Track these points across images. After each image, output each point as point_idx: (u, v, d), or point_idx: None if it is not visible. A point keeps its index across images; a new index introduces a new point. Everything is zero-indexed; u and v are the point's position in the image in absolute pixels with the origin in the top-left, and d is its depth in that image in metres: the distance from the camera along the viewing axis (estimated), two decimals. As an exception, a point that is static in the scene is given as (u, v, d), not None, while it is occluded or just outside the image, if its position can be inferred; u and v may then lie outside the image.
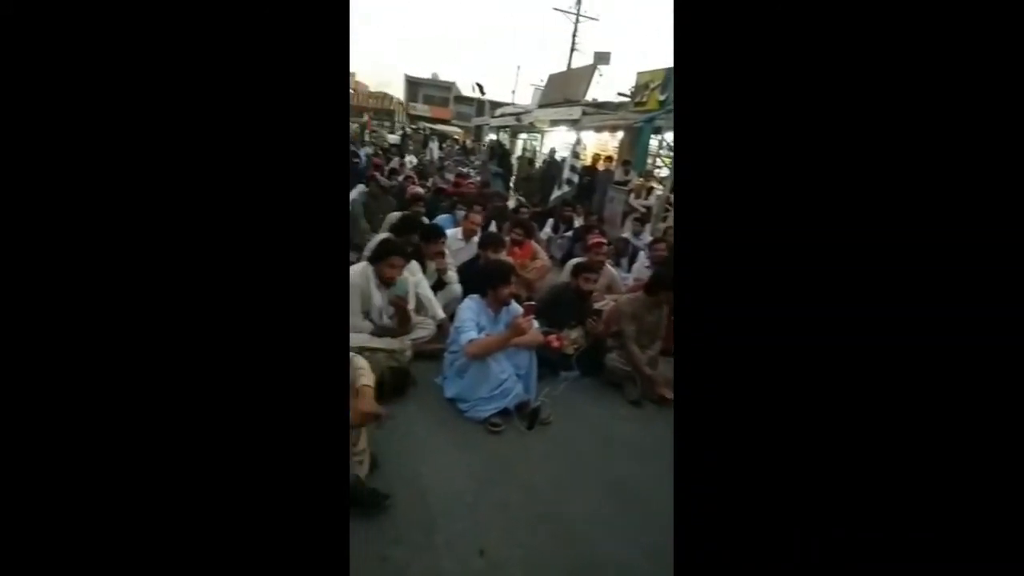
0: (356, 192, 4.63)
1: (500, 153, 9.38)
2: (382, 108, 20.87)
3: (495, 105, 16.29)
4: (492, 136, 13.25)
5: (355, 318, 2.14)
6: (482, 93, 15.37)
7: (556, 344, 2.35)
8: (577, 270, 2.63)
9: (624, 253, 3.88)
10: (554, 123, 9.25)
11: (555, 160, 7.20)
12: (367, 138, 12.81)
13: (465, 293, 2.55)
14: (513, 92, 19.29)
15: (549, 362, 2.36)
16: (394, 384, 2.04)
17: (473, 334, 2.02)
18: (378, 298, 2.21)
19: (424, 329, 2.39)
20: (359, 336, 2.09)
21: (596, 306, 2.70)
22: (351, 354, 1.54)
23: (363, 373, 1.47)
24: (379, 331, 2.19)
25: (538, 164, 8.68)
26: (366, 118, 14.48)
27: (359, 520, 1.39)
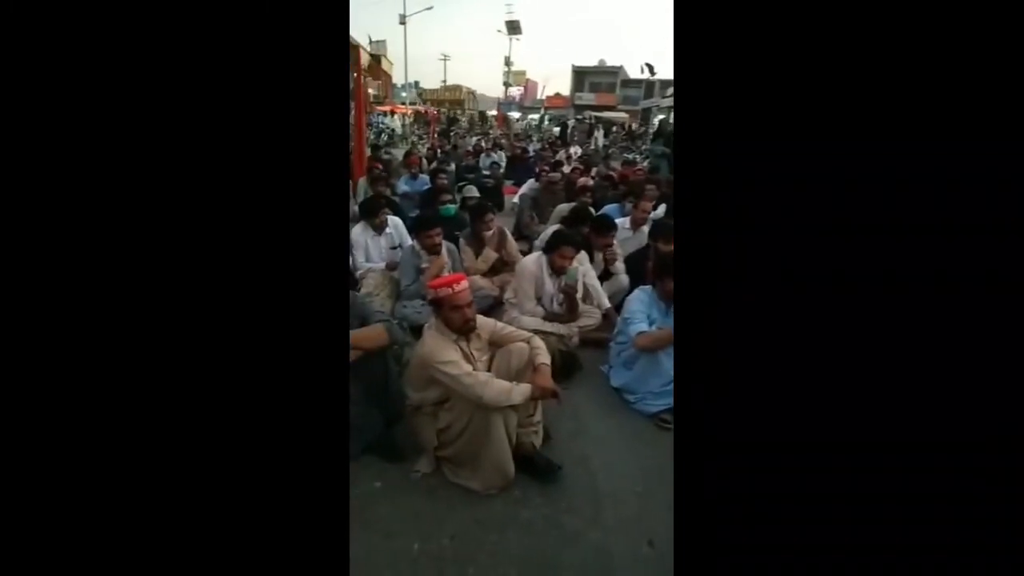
0: (527, 187, 4.97)
1: (668, 134, 8.69)
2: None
3: (666, 84, 15.14)
4: (661, 116, 12.38)
5: (529, 303, 2.33)
6: (652, 73, 14.47)
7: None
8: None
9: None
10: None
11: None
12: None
13: (632, 284, 2.51)
14: (687, 66, 17.52)
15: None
16: (563, 366, 2.17)
17: (643, 326, 1.98)
18: (550, 285, 2.35)
19: (590, 317, 2.45)
20: (533, 320, 2.27)
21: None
22: (530, 334, 1.70)
23: (540, 352, 1.61)
24: (550, 316, 2.34)
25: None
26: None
27: (532, 485, 1.54)
